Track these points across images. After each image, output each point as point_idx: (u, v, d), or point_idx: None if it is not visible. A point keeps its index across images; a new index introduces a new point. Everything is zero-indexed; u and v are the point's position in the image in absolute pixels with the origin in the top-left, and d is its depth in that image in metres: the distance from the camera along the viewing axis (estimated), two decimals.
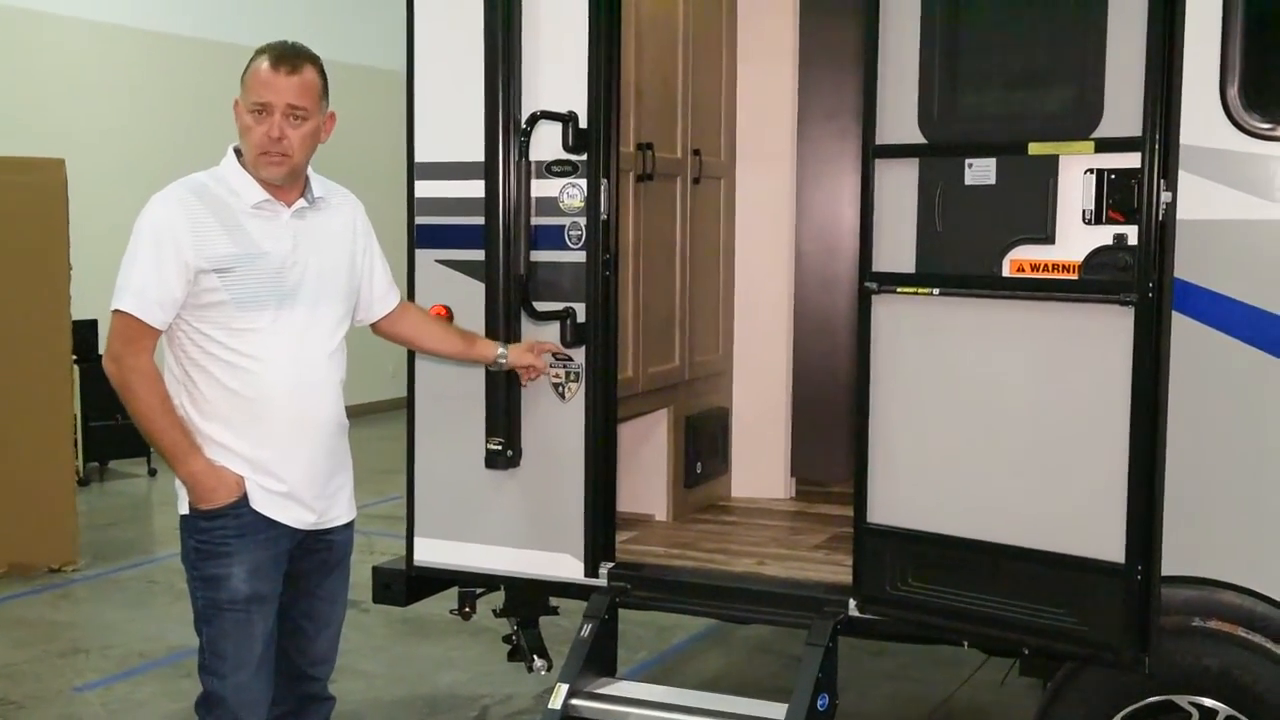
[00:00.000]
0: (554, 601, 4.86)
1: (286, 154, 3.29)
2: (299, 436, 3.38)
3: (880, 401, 3.91)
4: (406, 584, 4.73)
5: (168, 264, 3.19)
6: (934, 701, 5.54)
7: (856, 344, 3.97)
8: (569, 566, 4.44)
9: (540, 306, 4.35)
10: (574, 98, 4.31)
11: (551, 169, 4.37)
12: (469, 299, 4.49)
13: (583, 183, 4.33)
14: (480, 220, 4.42)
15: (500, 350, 4.11)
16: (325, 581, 3.61)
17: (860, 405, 3.94)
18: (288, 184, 3.36)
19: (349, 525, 3.65)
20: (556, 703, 4.04)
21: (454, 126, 4.49)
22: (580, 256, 4.35)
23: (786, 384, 5.61)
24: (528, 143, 4.22)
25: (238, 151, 3.36)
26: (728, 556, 4.67)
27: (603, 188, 4.32)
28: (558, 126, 4.31)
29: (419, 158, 4.58)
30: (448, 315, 4.53)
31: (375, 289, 3.73)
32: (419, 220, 4.60)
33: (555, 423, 4.43)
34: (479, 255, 4.44)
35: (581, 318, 4.34)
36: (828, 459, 5.69)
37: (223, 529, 3.30)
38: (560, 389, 4.43)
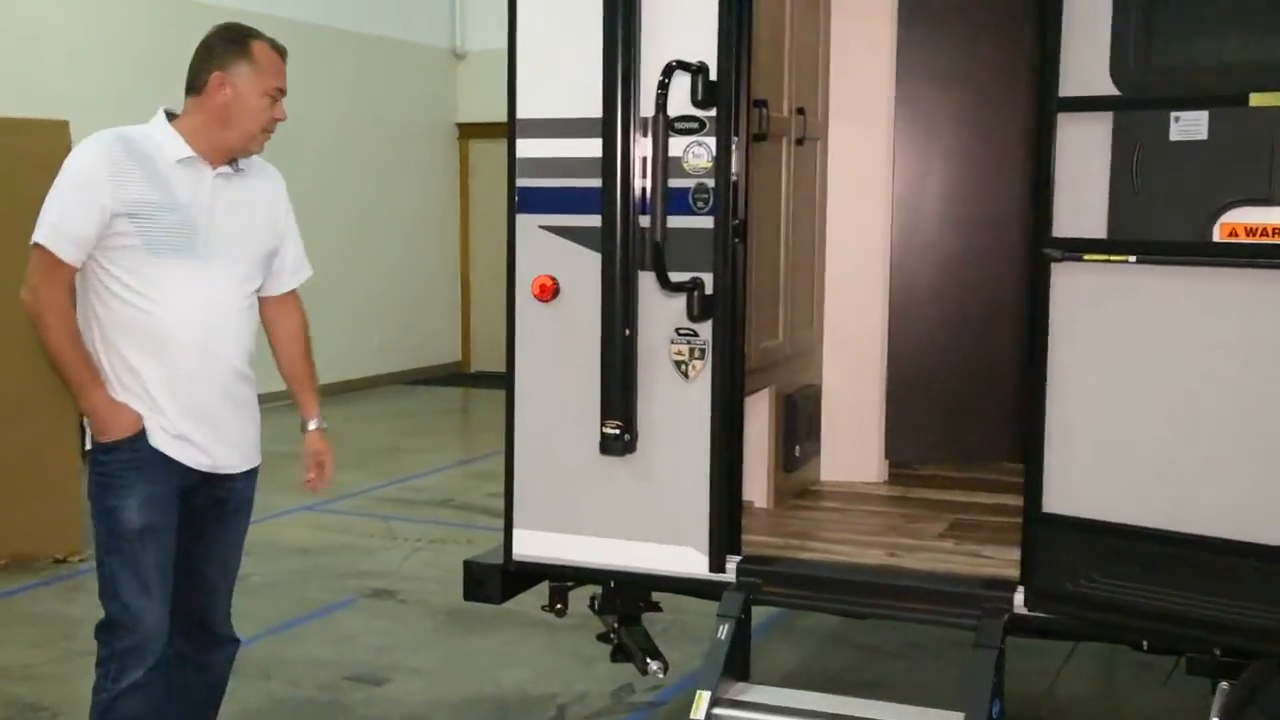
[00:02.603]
0: (656, 596, 4.49)
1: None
2: (197, 381, 3.50)
3: (1060, 379, 3.56)
4: (503, 580, 4.33)
5: (84, 203, 3.34)
6: (1031, 693, 5.23)
7: (1030, 315, 3.63)
8: (692, 561, 4.06)
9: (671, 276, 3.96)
10: (701, 47, 3.92)
11: (675, 126, 3.97)
12: (580, 270, 4.09)
13: (710, 141, 3.94)
14: (595, 182, 4.03)
15: (311, 424, 3.88)
16: (222, 527, 3.71)
17: (1034, 383, 3.60)
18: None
19: (250, 474, 3.73)
20: (699, 713, 3.67)
21: (563, 78, 4.09)
22: (706, 222, 3.96)
23: (881, 360, 5.26)
24: (666, 95, 3.82)
25: (169, 115, 3.51)
26: (854, 548, 4.31)
27: (734, 146, 3.94)
28: (683, 79, 3.92)
29: (521, 113, 4.17)
30: (553, 288, 4.14)
31: (286, 262, 3.80)
32: (520, 182, 4.19)
33: (677, 404, 4.05)
34: (592, 221, 4.05)
35: (709, 289, 3.96)
36: (922, 440, 5.35)
37: (118, 462, 3.45)
38: (683, 366, 4.05)
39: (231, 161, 3.57)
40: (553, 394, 4.19)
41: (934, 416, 5.30)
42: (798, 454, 4.95)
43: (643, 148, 3.99)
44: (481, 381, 13.76)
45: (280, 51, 3.58)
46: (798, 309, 4.95)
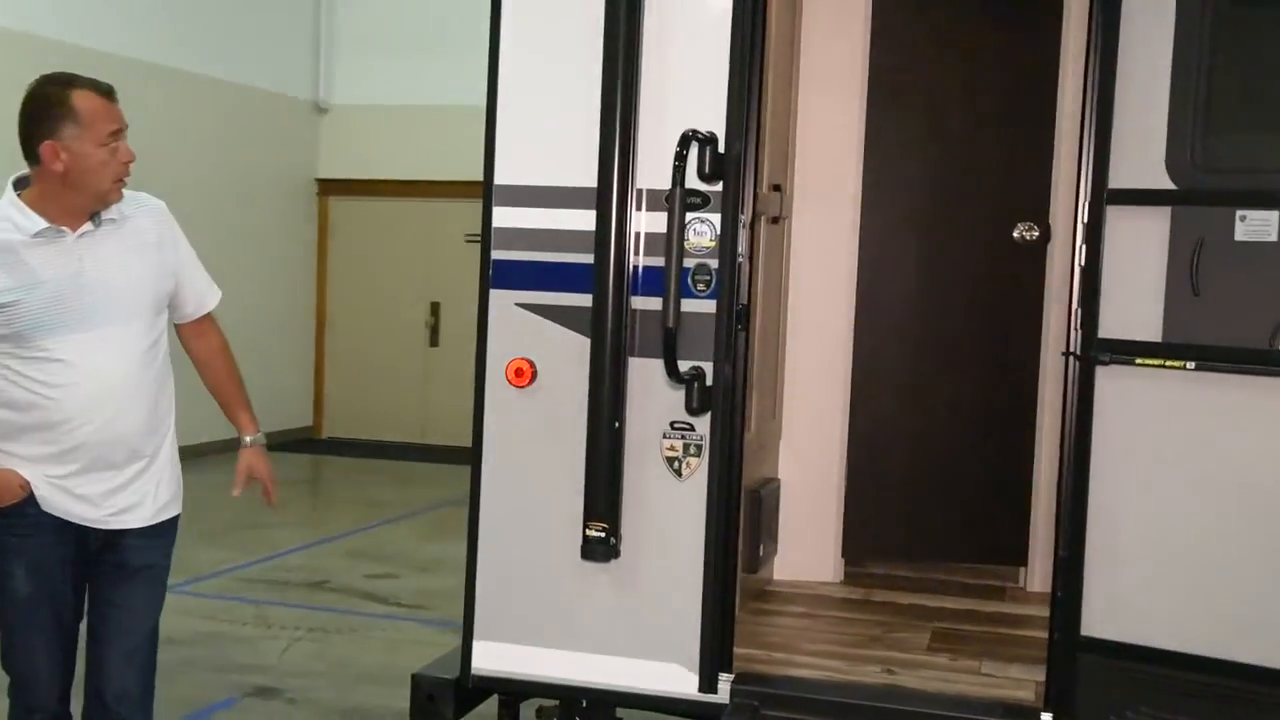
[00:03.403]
0: (620, 713, 4.08)
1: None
2: (96, 448, 3.40)
3: (1105, 491, 3.31)
4: (457, 696, 3.87)
5: None
6: None
7: (1072, 422, 3.36)
8: (679, 679, 3.68)
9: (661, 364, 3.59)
10: (705, 115, 3.59)
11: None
12: (562, 353, 3.71)
13: (715, 218, 3.61)
14: (583, 258, 3.66)
15: (246, 439, 3.73)
16: (117, 592, 3.54)
17: (1075, 494, 3.34)
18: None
19: (153, 533, 3.54)
20: None
21: (549, 142, 3.72)
22: (708, 306, 3.62)
23: (840, 453, 4.96)
24: (684, 167, 3.46)
25: (16, 184, 3.38)
26: (844, 663, 3.97)
27: (741, 224, 3.61)
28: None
29: (499, 179, 3.78)
30: (531, 373, 3.74)
31: (188, 295, 3.66)
32: (495, 254, 3.79)
33: (668, 505, 3.68)
34: (578, 300, 3.67)
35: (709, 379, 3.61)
36: (882, 539, 5.06)
37: (9, 527, 3.38)
38: (676, 464, 3.68)
39: (94, 217, 3.39)
40: (525, 490, 3.78)
41: (893, 515, 5.02)
42: (760, 553, 4.61)
43: (638, 222, 3.64)
44: (334, 448, 13.13)
45: (104, 92, 3.36)
46: (763, 399, 4.62)
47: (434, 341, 13.44)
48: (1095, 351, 3.28)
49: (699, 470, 3.66)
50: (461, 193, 13.76)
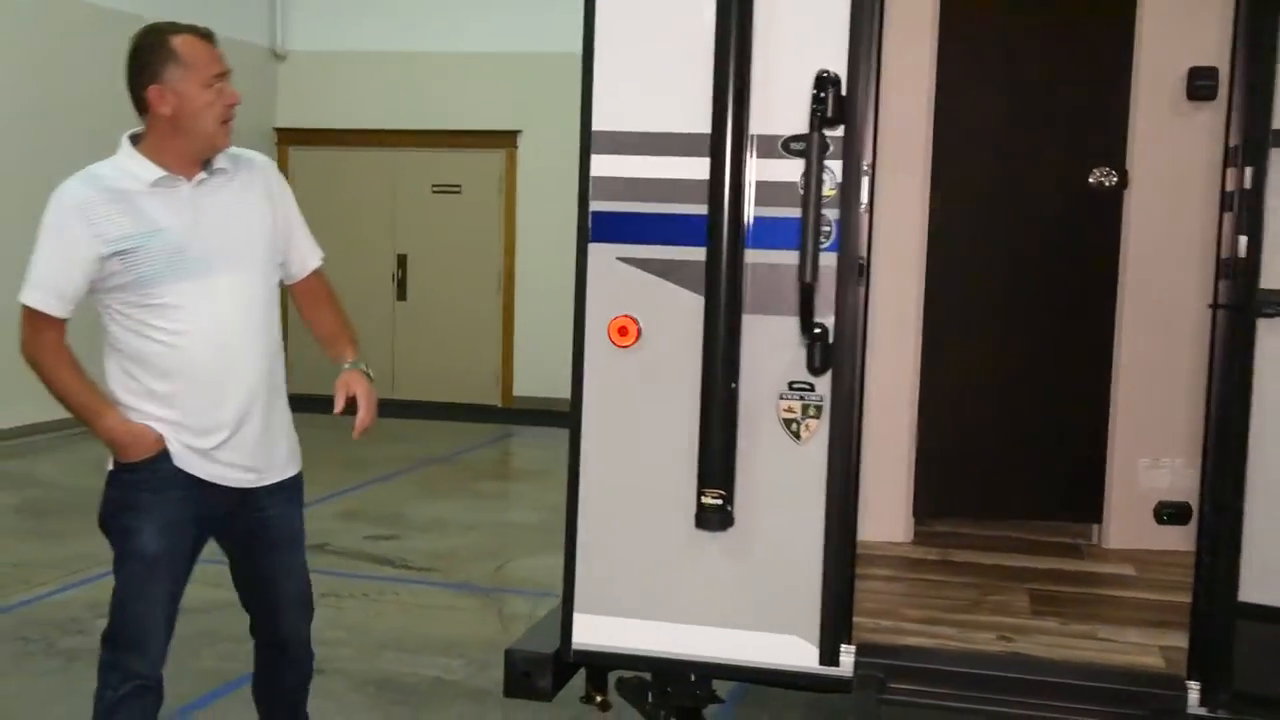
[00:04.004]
0: (716, 685, 3.89)
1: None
2: (221, 399, 3.40)
3: (1266, 451, 3.14)
4: (556, 670, 3.67)
5: (64, 257, 3.29)
6: None
7: (1225, 379, 3.20)
8: (798, 652, 3.50)
9: (779, 321, 3.39)
10: (823, 54, 3.37)
11: (790, 146, 3.41)
12: (670, 311, 3.49)
13: (836, 165, 3.39)
14: (692, 208, 3.43)
15: (347, 363, 3.74)
16: (270, 559, 3.61)
17: (1229, 455, 3.17)
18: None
19: (285, 491, 3.57)
20: None
21: (653, 85, 3.48)
22: (829, 259, 3.41)
23: (911, 410, 4.79)
24: (824, 110, 3.23)
25: (133, 139, 3.39)
26: (954, 629, 3.82)
27: (864, 170, 3.40)
28: (798, 93, 3.36)
29: (598, 125, 3.54)
30: (637, 331, 3.51)
31: (296, 249, 3.64)
32: (595, 206, 3.55)
33: (785, 469, 3.49)
34: (687, 253, 3.45)
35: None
36: (952, 497, 4.90)
37: (139, 483, 3.37)
38: (794, 426, 3.48)
39: (205, 165, 3.40)
40: (630, 457, 3.57)
41: (964, 472, 4.86)
42: None
43: (755, 170, 3.41)
44: (303, 405, 12.71)
45: (204, 35, 3.41)
46: None
47: (401, 295, 13.12)
48: (1264, 305, 3.11)
49: (819, 432, 3.46)
50: (428, 142, 13.48)
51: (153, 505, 3.37)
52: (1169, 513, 4.75)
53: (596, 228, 3.54)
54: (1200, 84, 4.60)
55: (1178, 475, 4.76)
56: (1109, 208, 4.69)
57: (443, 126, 12.50)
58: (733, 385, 3.43)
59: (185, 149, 3.35)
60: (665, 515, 3.52)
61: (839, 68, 3.36)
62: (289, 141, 13.16)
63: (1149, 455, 4.79)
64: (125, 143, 3.41)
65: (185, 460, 3.38)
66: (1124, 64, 4.65)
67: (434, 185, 12.90)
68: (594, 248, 3.55)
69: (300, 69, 13.05)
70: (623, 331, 3.52)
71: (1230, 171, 3.24)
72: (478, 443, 11.52)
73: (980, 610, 4.02)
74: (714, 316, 3.40)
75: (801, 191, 3.26)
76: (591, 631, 3.62)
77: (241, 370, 3.42)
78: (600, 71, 3.51)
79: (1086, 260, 4.78)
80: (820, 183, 3.24)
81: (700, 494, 3.45)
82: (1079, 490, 4.84)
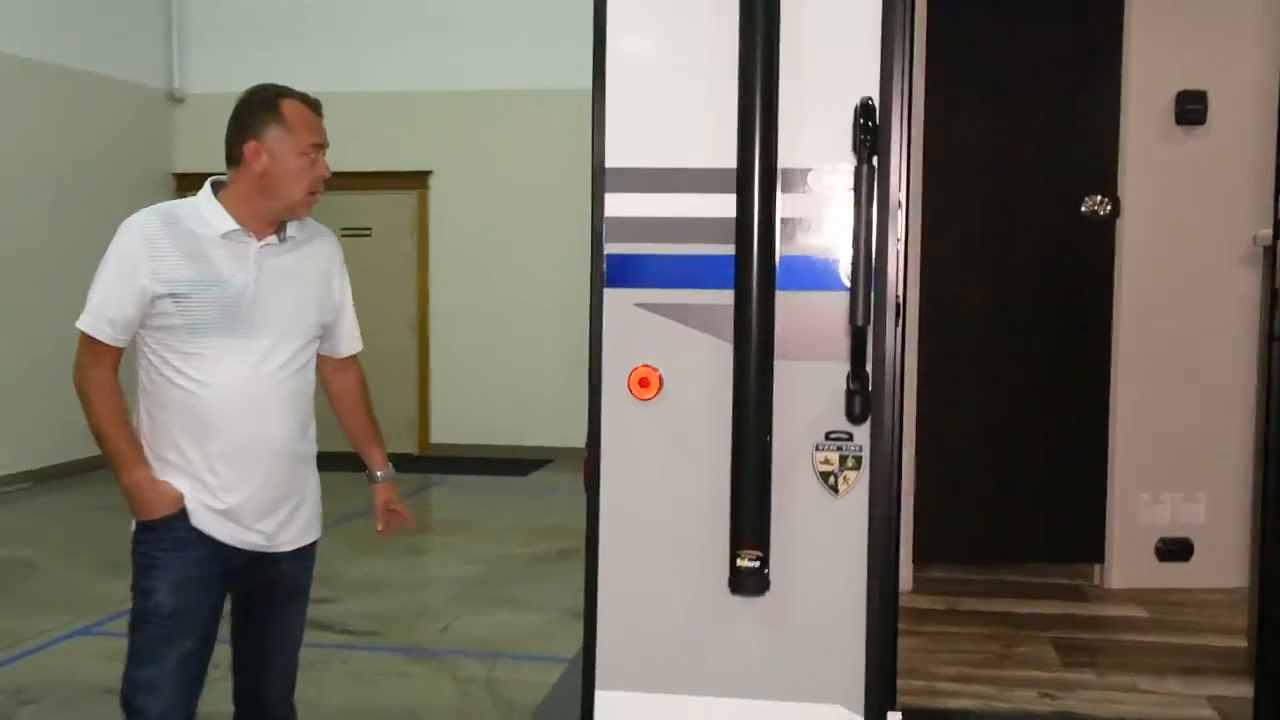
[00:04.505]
0: None
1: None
2: (242, 461, 3.38)
3: None
4: None
5: (123, 286, 3.30)
6: None
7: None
8: None
9: (813, 366, 3.16)
10: (854, 79, 3.17)
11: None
12: (694, 359, 3.25)
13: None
14: (717, 248, 3.20)
15: (379, 474, 3.80)
16: (270, 611, 3.58)
17: None
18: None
19: (300, 554, 3.56)
20: None
21: (670, 117, 3.25)
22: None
23: (908, 454, 4.59)
24: (871, 140, 3.02)
25: (215, 185, 3.41)
26: (991, 687, 3.61)
27: (897, 204, 3.19)
28: (827, 122, 3.16)
29: (611, 161, 3.29)
30: (659, 382, 3.26)
31: (338, 332, 3.66)
32: (609, 249, 3.30)
33: (822, 525, 3.25)
34: (712, 298, 3.21)
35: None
36: (949, 542, 4.71)
37: (156, 543, 3.35)
38: (832, 479, 3.25)
39: (279, 230, 3.41)
40: (653, 517, 3.31)
41: (961, 515, 4.68)
42: None
43: (782, 205, 3.19)
44: None
45: (313, 105, 3.44)
46: None
47: None
48: None
49: (858, 485, 3.23)
50: (336, 184, 12.94)
51: (170, 564, 3.33)
52: (1171, 549, 4.63)
53: (611, 272, 3.29)
54: (1189, 108, 4.51)
55: (1178, 510, 4.64)
56: (1102, 238, 4.56)
57: (351, 168, 12.07)
58: (768, 438, 3.19)
59: (266, 209, 3.35)
60: (694, 579, 3.27)
61: (872, 94, 3.15)
62: (189, 187, 12.62)
63: (1149, 491, 4.65)
64: (207, 188, 3.42)
65: (202, 519, 3.35)
66: (1113, 89, 4.53)
67: (343, 228, 12.49)
68: (610, 293, 3.29)
69: (200, 112, 12.57)
70: (644, 383, 3.27)
71: None
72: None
73: (1009, 664, 3.83)
74: (745, 363, 3.16)
75: (853, 227, 3.03)
76: (615, 710, 3.34)
77: (268, 435, 3.39)
78: (612, 104, 3.27)
79: (1082, 293, 4.65)
80: (871, 218, 3.02)
81: (735, 556, 3.20)
82: (1079, 530, 4.68)
